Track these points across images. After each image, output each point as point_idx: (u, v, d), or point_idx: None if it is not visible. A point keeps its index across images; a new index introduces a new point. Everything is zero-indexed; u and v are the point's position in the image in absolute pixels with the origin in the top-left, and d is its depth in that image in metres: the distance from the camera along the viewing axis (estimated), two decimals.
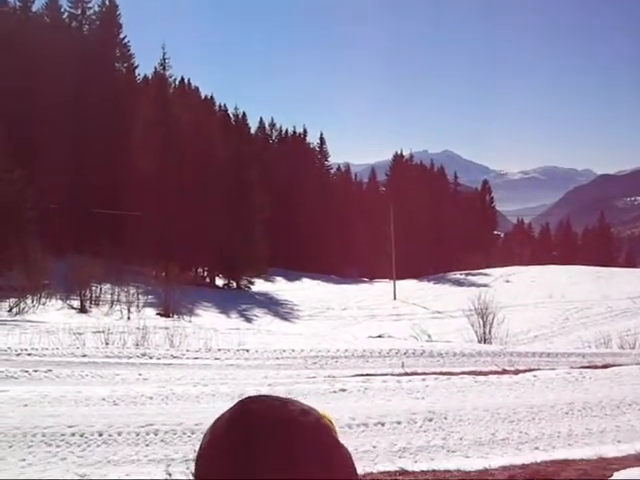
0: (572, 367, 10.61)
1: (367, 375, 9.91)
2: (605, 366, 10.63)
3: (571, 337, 18.53)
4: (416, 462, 5.77)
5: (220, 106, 45.45)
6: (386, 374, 10.06)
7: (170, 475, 5.15)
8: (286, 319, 23.41)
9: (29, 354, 10.56)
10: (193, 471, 1.66)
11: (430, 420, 7.22)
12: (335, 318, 23.93)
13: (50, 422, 6.85)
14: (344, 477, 1.46)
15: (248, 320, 21.95)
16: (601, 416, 7.46)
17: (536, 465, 5.40)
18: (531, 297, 25.83)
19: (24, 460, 6.06)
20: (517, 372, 10.00)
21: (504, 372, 10.11)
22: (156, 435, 6.64)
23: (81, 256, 21.31)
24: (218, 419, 1.63)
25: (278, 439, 1.54)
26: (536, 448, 6.40)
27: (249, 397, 1.65)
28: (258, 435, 1.56)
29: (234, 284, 31.73)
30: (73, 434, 6.55)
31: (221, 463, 1.56)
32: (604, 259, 52.46)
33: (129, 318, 17.72)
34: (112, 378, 9.14)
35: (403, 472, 5.22)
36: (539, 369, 10.26)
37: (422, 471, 5.18)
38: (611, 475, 4.78)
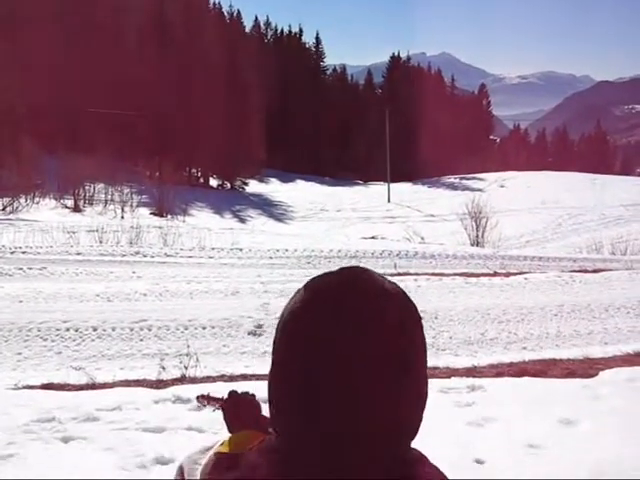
0: (563, 271, 10.71)
1: None
2: (595, 271, 10.73)
3: (563, 243, 18.65)
4: None
5: (215, 4, 44.38)
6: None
7: (164, 369, 5.21)
8: (280, 220, 23.46)
9: (23, 252, 10.57)
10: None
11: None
12: (329, 220, 23.98)
13: (45, 317, 6.91)
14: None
15: (242, 221, 21.98)
16: (589, 318, 7.56)
17: (524, 364, 5.50)
18: (525, 202, 25.84)
19: (20, 354, 6.14)
20: (508, 275, 10.08)
21: (495, 274, 10.19)
22: (150, 330, 6.72)
23: (74, 155, 21.12)
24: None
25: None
26: (524, 348, 6.51)
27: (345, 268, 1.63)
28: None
29: (228, 185, 31.65)
30: (68, 329, 6.62)
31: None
32: (599, 166, 52.29)
33: (123, 217, 17.73)
34: (106, 276, 9.19)
35: None
36: (530, 272, 10.34)
37: None
38: (597, 374, 4.87)
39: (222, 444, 1.87)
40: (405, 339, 1.62)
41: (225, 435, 2.12)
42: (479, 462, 2.91)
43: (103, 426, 3.57)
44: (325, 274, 1.69)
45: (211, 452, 2.01)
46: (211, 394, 2.12)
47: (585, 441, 3.29)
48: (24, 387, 4.70)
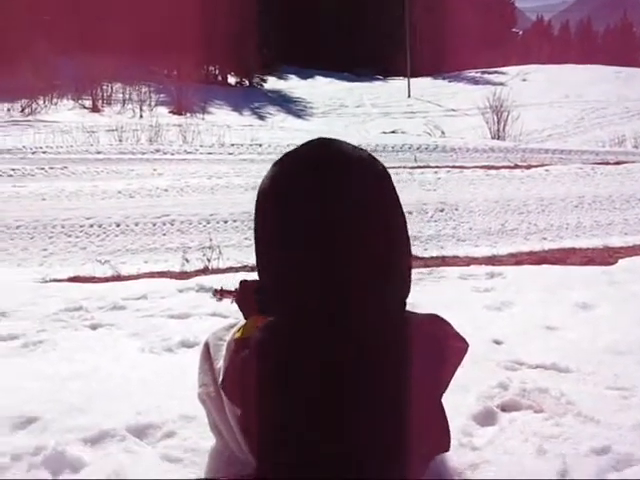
0: (584, 163, 10.62)
1: None
2: (617, 163, 10.62)
3: (586, 137, 18.39)
4: (426, 250, 5.93)
5: None
6: (398, 167, 10.11)
7: (187, 261, 5.31)
8: (299, 116, 23.23)
9: (44, 152, 10.63)
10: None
11: (441, 211, 7.35)
12: (348, 116, 23.73)
13: (68, 214, 7.02)
14: None
15: (261, 118, 21.81)
16: (610, 209, 7.56)
17: (544, 253, 5.53)
18: (547, 96, 25.35)
19: (46, 250, 6.26)
20: (529, 167, 10.01)
21: (516, 167, 10.13)
22: (172, 225, 6.82)
23: (91, 55, 20.85)
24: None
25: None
26: (544, 238, 6.54)
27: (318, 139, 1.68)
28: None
29: (246, 82, 31.21)
30: (92, 225, 6.73)
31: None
32: (624, 59, 50.95)
33: (141, 116, 17.64)
34: (127, 173, 9.26)
35: (414, 258, 5.38)
36: (551, 165, 10.27)
37: (432, 257, 5.32)
38: (616, 262, 4.89)
39: (239, 330, 1.94)
40: (374, 194, 1.65)
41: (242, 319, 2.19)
42: (497, 342, 2.97)
43: (129, 314, 3.66)
44: (292, 149, 1.71)
45: (234, 329, 2.09)
46: (224, 288, 2.19)
47: (602, 323, 3.34)
48: (51, 280, 4.81)
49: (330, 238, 1.58)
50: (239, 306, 2.07)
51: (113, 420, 2.20)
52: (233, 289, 2.13)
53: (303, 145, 1.70)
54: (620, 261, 4.90)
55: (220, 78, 31.37)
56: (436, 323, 1.78)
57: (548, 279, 4.29)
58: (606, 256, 5.30)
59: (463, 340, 1.82)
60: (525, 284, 4.18)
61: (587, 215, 7.26)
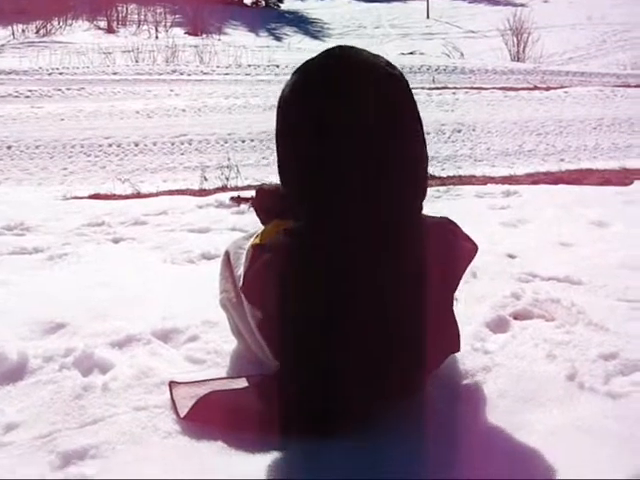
0: (605, 86, 10.49)
1: None
2: (638, 85, 10.48)
3: (607, 60, 18.01)
4: (443, 170, 5.96)
5: None
6: (416, 88, 10.02)
7: (206, 179, 5.36)
8: (316, 37, 22.85)
9: (60, 73, 10.59)
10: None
11: (459, 132, 7.33)
12: (367, 37, 23.32)
13: (87, 134, 7.06)
14: None
15: (277, 39, 21.49)
16: (629, 132, 7.51)
17: (560, 173, 5.54)
18: (569, 18, 24.73)
19: (66, 169, 6.33)
20: (548, 89, 9.91)
21: (535, 88, 10.02)
22: (190, 144, 6.85)
23: None
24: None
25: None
26: (562, 160, 6.53)
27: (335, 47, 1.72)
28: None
29: (263, 2, 30.65)
30: (110, 145, 6.78)
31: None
32: None
33: (157, 37, 17.44)
34: (144, 94, 9.24)
35: (430, 177, 5.40)
36: (571, 87, 10.15)
37: (449, 176, 5.35)
38: (632, 183, 4.90)
39: (257, 236, 2.00)
40: (390, 97, 1.68)
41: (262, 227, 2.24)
42: (511, 256, 3.02)
43: (150, 229, 3.74)
44: (312, 57, 1.73)
45: (253, 239, 2.14)
46: (241, 195, 2.24)
47: (615, 240, 3.38)
48: (72, 198, 4.88)
49: (350, 140, 1.63)
50: (256, 212, 2.12)
51: (139, 325, 2.29)
52: (250, 196, 2.19)
53: (323, 52, 1.73)
54: (636, 182, 4.91)
55: None
56: (448, 224, 1.85)
57: (564, 198, 4.32)
58: (622, 177, 5.30)
59: (472, 241, 1.89)
60: (541, 203, 4.21)
61: (605, 137, 7.22)
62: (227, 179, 5.48)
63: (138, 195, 4.93)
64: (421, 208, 1.76)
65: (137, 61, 12.01)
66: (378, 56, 1.72)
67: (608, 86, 10.38)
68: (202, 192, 5.05)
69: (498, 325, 2.29)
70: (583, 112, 8.13)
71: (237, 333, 2.10)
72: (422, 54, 16.09)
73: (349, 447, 1.67)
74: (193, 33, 18.34)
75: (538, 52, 14.98)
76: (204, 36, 18.16)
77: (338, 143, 1.62)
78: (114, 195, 4.97)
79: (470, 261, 1.89)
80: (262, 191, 2.14)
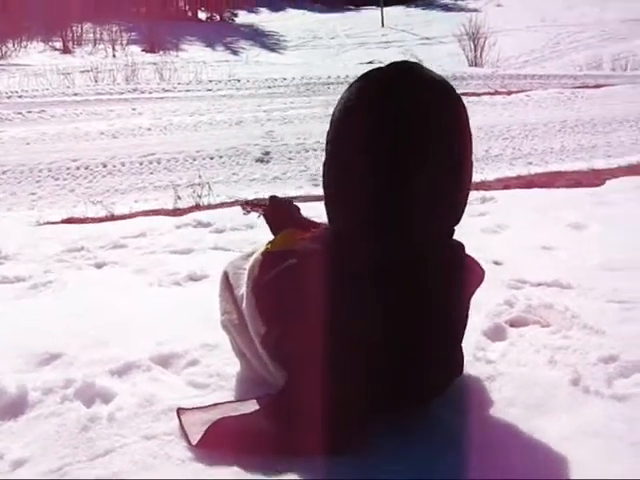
0: (565, 88, 10.64)
1: None
2: (597, 86, 10.66)
3: (562, 61, 18.29)
4: None
5: None
6: None
7: (180, 198, 5.33)
8: (273, 50, 22.89)
9: (20, 96, 10.44)
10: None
11: None
12: (323, 47, 23.43)
13: (53, 157, 6.97)
14: None
15: (234, 52, 21.47)
16: (592, 133, 7.62)
17: (530, 177, 5.61)
18: (522, 21, 25.07)
19: (34, 193, 6.24)
20: (510, 93, 10.03)
21: (497, 93, 10.14)
22: (159, 164, 6.81)
23: None
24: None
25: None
26: (529, 163, 6.61)
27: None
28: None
29: (217, 17, 30.61)
30: (78, 167, 6.70)
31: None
32: None
33: (114, 56, 17.33)
34: (106, 114, 9.15)
35: None
36: (532, 90, 10.28)
37: None
38: (603, 183, 4.98)
39: (268, 244, 1.99)
40: (457, 129, 1.69)
41: (261, 242, 2.23)
42: (497, 263, 3.05)
43: (131, 251, 3.71)
44: (375, 69, 1.73)
45: (254, 256, 2.13)
46: (253, 201, 2.22)
47: (595, 242, 3.44)
48: (46, 223, 4.82)
49: (406, 159, 1.63)
50: (267, 220, 2.11)
51: (136, 351, 2.27)
52: (262, 203, 2.17)
53: (386, 67, 1.72)
54: (607, 182, 5.00)
55: (190, 14, 30.73)
56: (463, 249, 1.86)
57: (538, 202, 4.38)
58: (592, 178, 5.39)
59: (481, 266, 1.92)
60: (517, 207, 4.26)
61: (570, 139, 7.33)
62: (199, 197, 5.46)
63: (112, 217, 4.89)
64: (453, 231, 1.78)
65: (97, 81, 11.91)
66: (439, 75, 1.73)
67: (567, 88, 10.53)
68: (177, 211, 5.03)
69: (496, 333, 2.31)
70: (546, 115, 8.24)
71: (240, 354, 2.09)
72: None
73: (363, 464, 1.67)
74: (150, 50, 18.26)
75: (495, 56, 15.16)
76: (161, 53, 18.10)
77: (397, 156, 1.62)
78: (88, 218, 4.92)
79: (481, 283, 1.92)
80: (276, 201, 2.13)
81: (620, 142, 7.20)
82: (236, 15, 30.76)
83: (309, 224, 2.03)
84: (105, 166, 6.69)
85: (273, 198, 2.15)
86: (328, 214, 1.77)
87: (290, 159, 6.90)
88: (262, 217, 2.14)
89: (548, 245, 3.34)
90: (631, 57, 15.02)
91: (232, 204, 5.27)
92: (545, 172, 5.77)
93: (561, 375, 2.02)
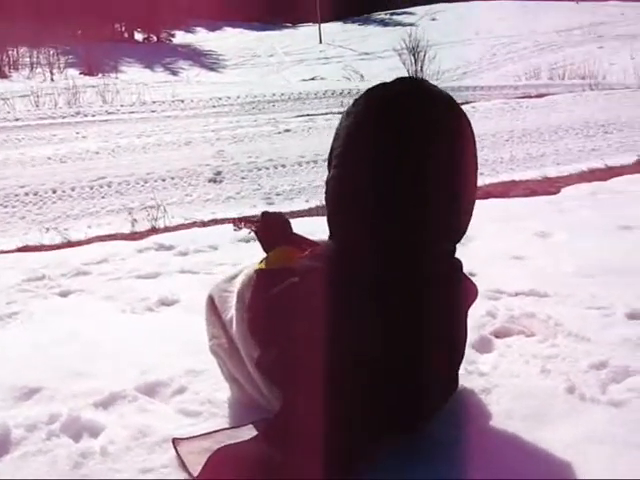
0: (508, 98, 10.82)
1: (308, 115, 9.96)
2: (539, 95, 10.86)
3: (499, 72, 18.61)
4: None
5: None
6: (327, 113, 10.14)
7: (136, 221, 5.24)
8: (213, 69, 22.81)
9: None
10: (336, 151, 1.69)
11: None
12: (262, 65, 23.45)
13: (1, 184, 6.80)
14: None
15: (174, 73, 21.32)
16: (540, 141, 7.75)
17: (485, 187, 5.65)
18: (458, 34, 25.44)
19: None
20: None
21: None
22: (110, 187, 6.69)
23: None
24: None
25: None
26: (481, 173, 6.63)
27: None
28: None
29: (154, 38, 30.45)
30: (27, 194, 6.55)
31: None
32: None
33: (53, 79, 17.03)
34: (50, 139, 8.98)
35: None
36: (476, 101, 10.42)
37: None
38: (558, 191, 5.06)
39: (261, 262, 1.95)
40: (465, 143, 1.68)
41: (244, 265, 2.19)
42: (471, 274, 3.04)
43: (96, 278, 3.61)
44: (380, 85, 1.72)
45: (241, 278, 2.09)
46: (245, 217, 2.19)
47: (563, 250, 3.48)
48: (0, 252, 4.68)
49: (412, 175, 1.61)
50: (259, 237, 2.07)
51: (120, 381, 2.20)
52: (254, 219, 2.13)
53: (391, 83, 1.70)
54: (563, 190, 5.08)
55: (127, 35, 30.53)
56: (461, 266, 1.86)
57: (500, 212, 4.41)
58: (546, 186, 5.48)
59: (473, 282, 1.92)
60: (479, 218, 4.24)
61: (519, 148, 7.44)
62: (155, 219, 5.38)
63: (69, 244, 4.78)
64: (455, 250, 1.78)
65: (38, 105, 11.68)
66: (443, 90, 1.73)
67: (511, 98, 10.72)
68: (135, 235, 4.95)
69: (482, 345, 2.31)
70: (493, 125, 8.35)
71: (231, 379, 2.05)
72: (323, 79, 16.28)
73: None
74: (89, 73, 18.01)
75: (436, 69, 15.33)
76: (100, 75, 17.87)
77: (404, 172, 1.60)
78: (44, 246, 4.80)
79: (475, 299, 1.92)
80: (268, 217, 2.09)
81: (568, 149, 7.34)
82: (173, 35, 30.64)
83: (302, 241, 2.01)
84: (55, 192, 6.55)
85: (265, 214, 2.11)
86: (330, 229, 1.74)
87: (243, 178, 6.86)
88: (254, 233, 2.10)
89: (518, 255, 3.37)
90: (568, 66, 15.36)
91: (190, 225, 5.23)
92: (500, 182, 5.83)
93: (555, 384, 2.02)
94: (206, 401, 2.07)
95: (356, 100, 1.73)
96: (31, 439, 1.94)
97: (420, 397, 1.75)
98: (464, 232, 1.73)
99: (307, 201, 6.07)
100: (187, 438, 1.85)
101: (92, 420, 2.00)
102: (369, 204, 1.64)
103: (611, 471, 1.63)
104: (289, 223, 2.08)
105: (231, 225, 2.19)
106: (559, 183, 5.48)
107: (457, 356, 1.85)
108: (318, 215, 5.23)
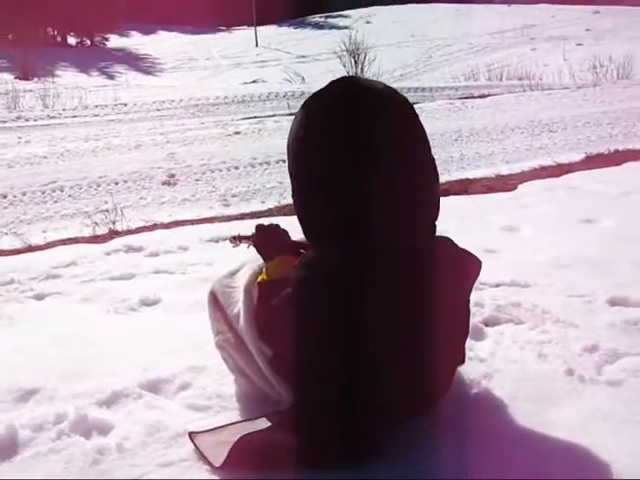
0: (451, 98, 11.00)
1: (256, 117, 9.96)
2: (482, 96, 11.07)
3: (437, 74, 18.89)
4: None
5: None
6: (273, 115, 10.16)
7: (97, 224, 5.18)
8: (150, 73, 22.59)
9: None
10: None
11: None
12: (200, 69, 23.32)
13: None
14: None
15: (110, 77, 21.05)
16: (488, 140, 7.91)
17: (443, 185, 5.73)
18: (393, 37, 25.76)
19: None
20: None
21: None
22: (62, 191, 6.59)
23: None
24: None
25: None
26: None
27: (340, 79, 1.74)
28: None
29: (88, 41, 30.02)
30: None
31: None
32: None
33: None
34: None
35: None
36: (419, 102, 10.56)
37: None
38: (515, 188, 5.19)
39: (262, 274, 1.99)
40: (409, 129, 1.73)
41: (244, 261, 2.22)
42: None
43: (69, 280, 3.57)
44: (319, 91, 1.78)
45: (241, 274, 2.11)
46: (241, 234, 2.23)
47: (532, 243, 3.59)
48: None
49: (373, 172, 1.66)
50: (258, 249, 2.10)
51: (120, 380, 2.20)
52: (249, 234, 2.16)
53: (329, 86, 1.75)
54: (519, 186, 5.21)
55: (60, 39, 30.02)
56: (452, 243, 1.91)
57: (463, 208, 4.51)
58: (502, 183, 5.60)
59: (475, 255, 1.96)
60: (445, 215, 4.35)
61: (467, 147, 7.57)
62: (113, 223, 5.33)
63: (30, 248, 4.69)
64: (435, 227, 1.82)
65: None
66: (383, 83, 1.77)
67: (455, 98, 10.91)
68: (96, 238, 4.89)
69: (475, 333, 2.37)
70: (440, 125, 8.47)
71: (239, 372, 2.06)
72: (264, 82, 16.28)
73: (388, 472, 1.69)
74: (24, 77, 17.64)
75: (375, 71, 15.47)
76: (36, 80, 17.52)
77: (363, 170, 1.65)
78: (3, 251, 4.71)
79: (479, 272, 1.96)
80: (262, 228, 2.13)
81: (515, 148, 7.50)
82: (107, 39, 30.25)
83: (299, 246, 2.04)
84: (5, 197, 6.42)
85: (260, 227, 2.15)
86: (305, 234, 1.81)
87: (197, 180, 6.83)
88: (252, 247, 2.14)
89: (490, 248, 3.44)
90: (505, 67, 15.69)
91: (151, 228, 5.19)
92: (456, 180, 5.93)
93: (554, 367, 2.10)
94: (214, 395, 2.09)
95: (302, 107, 1.80)
96: (40, 439, 1.92)
97: (429, 376, 1.80)
98: (436, 210, 1.78)
99: (263, 202, 6.08)
100: (203, 431, 1.87)
101: (99, 418, 2.00)
102: (330, 200, 1.69)
103: (621, 445, 1.71)
104: (286, 232, 2.12)
105: (227, 242, 2.27)
106: (513, 180, 5.61)
107: (458, 332, 1.91)
108: (277, 215, 5.27)
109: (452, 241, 1.91)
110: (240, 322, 2.01)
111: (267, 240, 2.10)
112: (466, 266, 1.91)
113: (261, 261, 2.11)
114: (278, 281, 1.86)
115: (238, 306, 2.03)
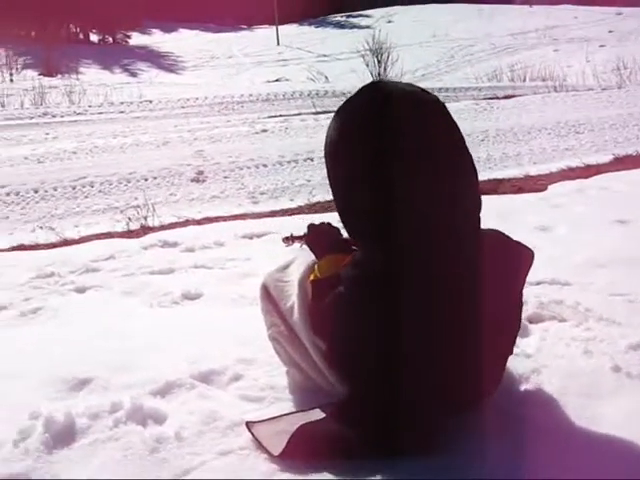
0: (476, 99, 11.00)
1: (282, 116, 10.01)
2: (507, 97, 11.06)
3: (458, 74, 18.86)
4: None
5: None
6: (299, 114, 10.20)
7: (130, 219, 5.24)
8: (172, 71, 22.67)
9: None
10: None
11: None
12: (222, 67, 23.38)
13: None
14: None
15: (133, 75, 21.15)
16: (514, 141, 7.91)
17: None
18: (415, 37, 25.75)
19: None
20: None
21: None
22: (92, 187, 6.66)
23: None
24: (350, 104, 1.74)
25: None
26: None
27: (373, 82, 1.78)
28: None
29: (110, 39, 30.18)
30: (8, 194, 6.48)
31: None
32: None
33: (12, 80, 16.81)
34: (19, 139, 8.86)
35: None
36: (445, 102, 10.54)
37: None
38: (545, 188, 5.20)
39: (315, 271, 2.04)
40: (443, 127, 1.77)
41: (295, 256, 2.26)
42: None
43: (108, 274, 3.63)
44: (353, 96, 1.82)
45: (292, 269, 2.16)
46: (293, 234, 2.28)
47: (568, 242, 3.62)
48: None
49: (420, 170, 1.70)
50: (311, 248, 2.15)
51: (172, 371, 2.24)
52: (302, 234, 2.21)
53: (361, 92, 1.80)
54: (550, 187, 5.22)
55: (82, 36, 30.18)
56: (502, 235, 1.95)
57: (495, 208, 4.50)
58: (532, 184, 5.61)
59: (526, 246, 1.99)
60: None
61: (494, 148, 7.58)
62: (145, 218, 5.38)
63: (66, 242, 4.76)
64: (480, 220, 1.85)
65: (3, 106, 11.54)
66: (413, 85, 1.82)
67: (480, 99, 10.91)
68: (130, 233, 4.96)
69: (520, 330, 2.39)
70: (467, 126, 8.44)
71: (291, 364, 2.11)
72: (287, 80, 16.33)
73: (449, 464, 1.72)
74: (48, 74, 17.77)
75: (398, 72, 15.48)
76: (60, 76, 17.67)
77: (399, 171, 1.69)
78: (39, 245, 4.77)
79: (532, 262, 1.99)
80: (314, 227, 2.18)
81: (542, 149, 7.50)
82: (129, 37, 30.40)
83: (351, 243, 2.08)
84: (37, 191, 6.49)
85: (312, 226, 2.20)
86: (349, 234, 1.86)
87: (226, 177, 6.88)
88: (306, 246, 2.19)
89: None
90: (528, 68, 15.66)
91: (184, 224, 5.24)
92: (484, 180, 5.93)
93: (601, 364, 2.12)
94: (266, 387, 2.13)
95: (337, 113, 1.85)
96: (97, 427, 1.97)
97: (481, 370, 1.83)
98: (479, 203, 1.82)
99: (292, 200, 6.11)
100: (259, 421, 1.91)
101: (154, 408, 2.04)
102: (375, 198, 1.73)
103: None
104: (337, 230, 2.16)
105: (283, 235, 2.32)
106: (542, 181, 5.63)
107: (511, 327, 1.94)
108: (308, 213, 5.32)
109: (502, 233, 1.94)
110: (294, 315, 2.05)
111: (319, 239, 2.14)
112: (519, 257, 1.94)
113: (312, 255, 2.15)
114: (327, 280, 1.91)
115: (292, 300, 2.08)
